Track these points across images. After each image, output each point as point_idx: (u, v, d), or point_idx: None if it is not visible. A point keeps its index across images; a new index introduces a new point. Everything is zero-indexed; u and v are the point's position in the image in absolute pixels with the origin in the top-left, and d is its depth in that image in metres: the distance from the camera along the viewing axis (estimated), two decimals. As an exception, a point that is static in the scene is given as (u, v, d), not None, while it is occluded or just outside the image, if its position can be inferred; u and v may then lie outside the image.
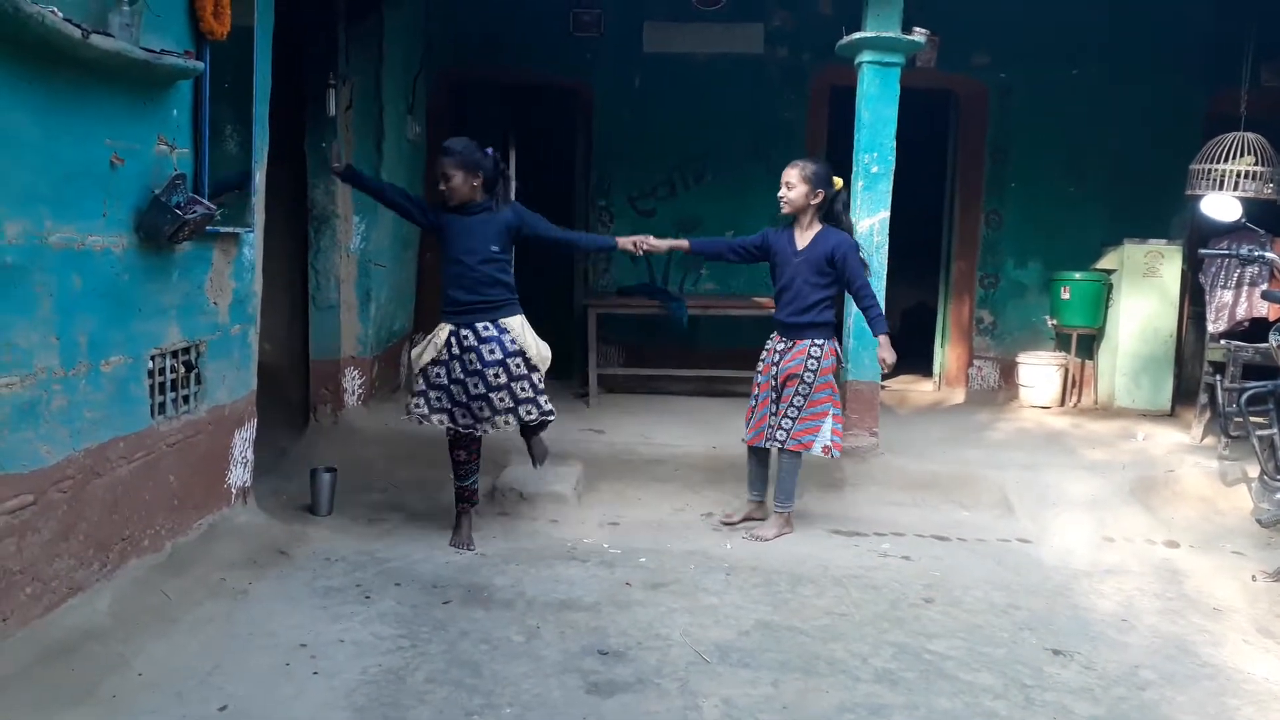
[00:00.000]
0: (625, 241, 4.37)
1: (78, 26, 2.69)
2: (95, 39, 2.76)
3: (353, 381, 5.60)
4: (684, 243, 4.52)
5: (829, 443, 4.30)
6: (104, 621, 3.00)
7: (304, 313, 5.61)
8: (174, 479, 3.53)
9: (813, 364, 4.25)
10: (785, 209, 4.33)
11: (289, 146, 5.18)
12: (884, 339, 4.23)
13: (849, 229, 4.41)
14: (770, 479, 4.51)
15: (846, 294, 5.11)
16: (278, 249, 5.08)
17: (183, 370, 3.59)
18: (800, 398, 4.27)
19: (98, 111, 3.01)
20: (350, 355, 5.61)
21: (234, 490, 3.99)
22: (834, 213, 4.32)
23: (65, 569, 2.94)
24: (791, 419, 4.28)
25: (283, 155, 4.65)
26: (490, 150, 4.04)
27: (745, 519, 4.52)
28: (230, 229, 3.78)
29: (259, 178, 4.00)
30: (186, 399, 3.63)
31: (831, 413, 4.30)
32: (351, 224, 5.53)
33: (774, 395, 4.35)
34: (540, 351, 4.06)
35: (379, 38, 5.58)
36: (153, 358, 3.39)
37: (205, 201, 3.38)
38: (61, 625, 2.88)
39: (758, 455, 4.50)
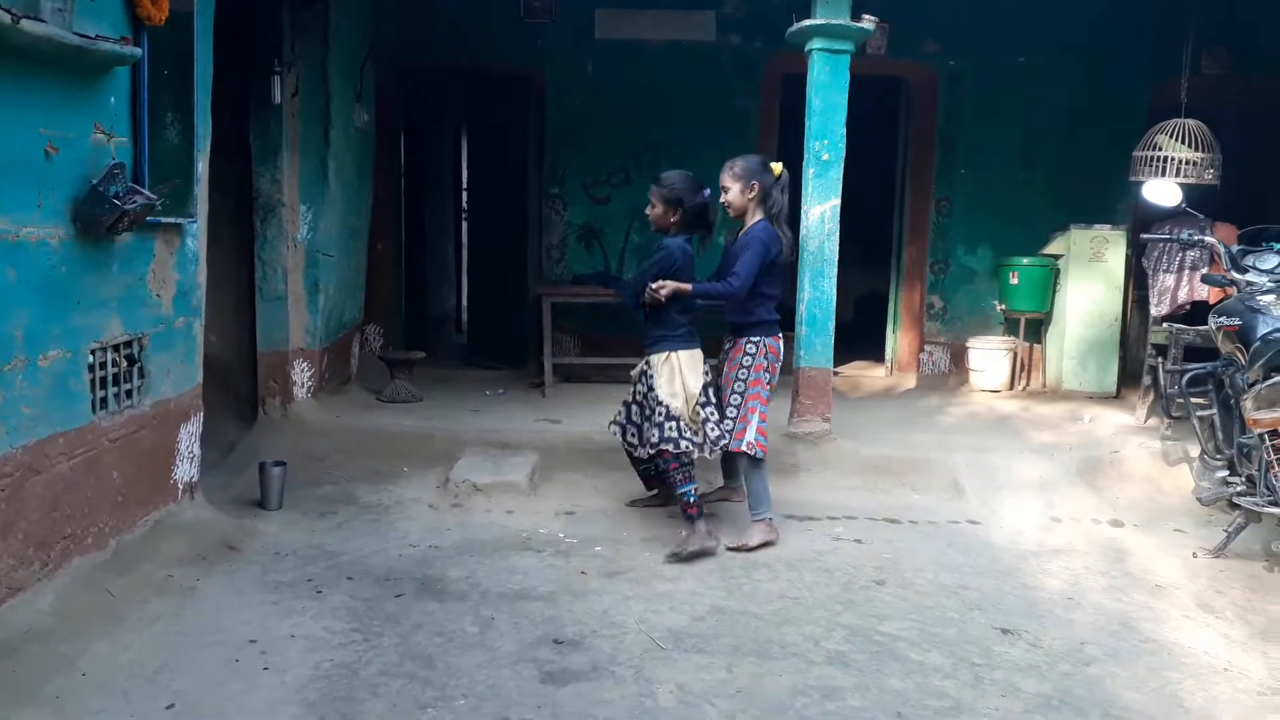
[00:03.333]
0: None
1: (7, 11, 2.61)
2: (26, 24, 2.69)
3: (302, 374, 5.52)
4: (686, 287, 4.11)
5: (754, 440, 4.13)
6: (46, 621, 2.93)
7: (251, 304, 5.50)
8: (117, 475, 3.45)
9: (748, 360, 4.16)
10: (731, 213, 4.23)
11: (233, 135, 5.08)
12: (675, 286, 3.96)
13: (778, 211, 4.16)
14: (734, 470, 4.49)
15: (798, 281, 5.16)
16: (223, 239, 4.98)
17: (125, 364, 3.51)
18: (737, 395, 4.15)
19: (30, 99, 2.92)
20: (299, 347, 5.52)
21: (180, 485, 3.92)
22: (771, 196, 4.16)
23: (4, 569, 2.87)
24: (732, 419, 4.13)
25: (227, 144, 4.57)
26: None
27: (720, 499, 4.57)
28: (172, 219, 3.70)
29: (201, 166, 3.91)
30: (129, 393, 3.55)
31: (759, 410, 4.16)
32: (298, 213, 5.44)
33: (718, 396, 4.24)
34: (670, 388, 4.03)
35: (324, 24, 5.48)
36: (93, 351, 3.31)
37: (145, 191, 3.31)
38: (2, 626, 2.81)
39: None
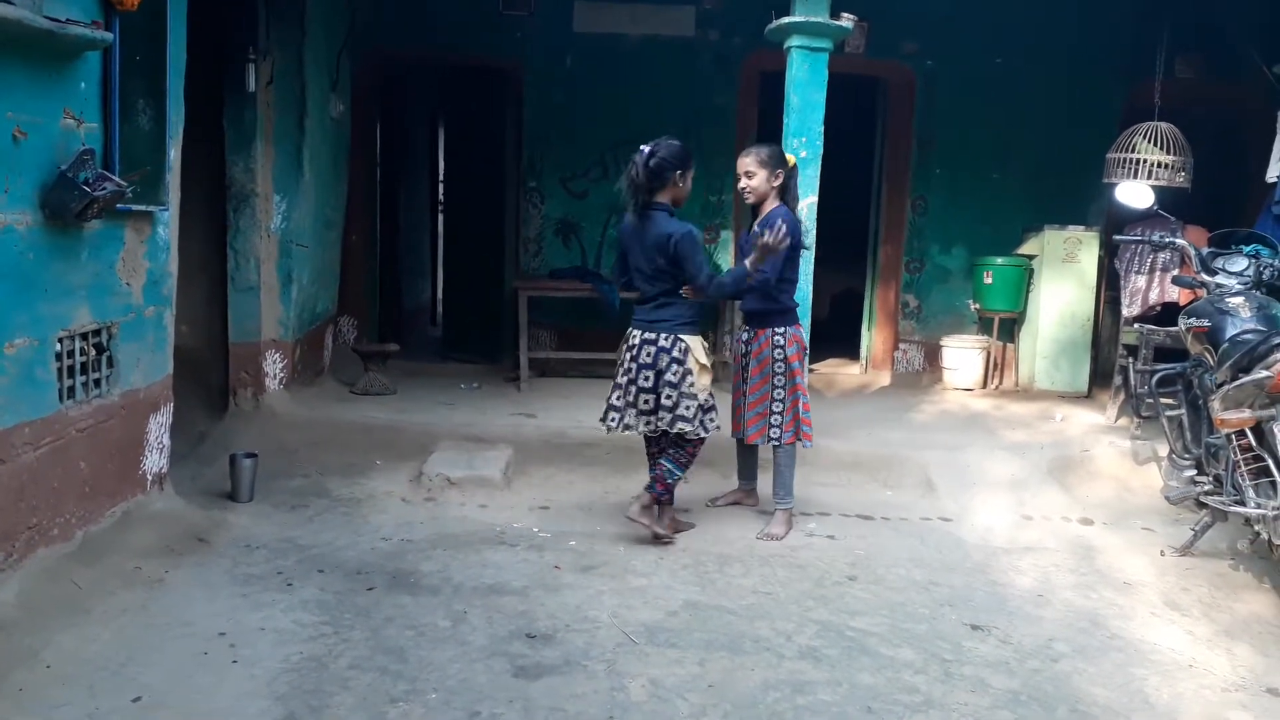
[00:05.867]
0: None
1: (-26, -8, 2.57)
2: (-7, 5, 2.64)
3: (274, 365, 5.46)
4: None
5: (805, 432, 4.17)
6: (10, 613, 2.88)
7: (223, 294, 5.44)
8: (85, 465, 3.41)
9: (779, 353, 4.11)
10: (749, 199, 4.16)
11: (207, 122, 5.01)
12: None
13: (794, 203, 4.20)
14: (759, 466, 4.49)
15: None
16: (195, 228, 4.92)
17: (93, 353, 3.46)
18: (780, 390, 4.12)
19: (-3, 82, 2.88)
20: (271, 338, 5.47)
21: (150, 476, 3.87)
22: (789, 188, 4.15)
23: (-33, 559, 2.83)
24: (779, 413, 4.11)
25: (200, 131, 4.51)
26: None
27: (733, 503, 4.59)
28: (143, 207, 3.65)
29: (173, 154, 3.87)
30: (98, 382, 3.50)
31: (801, 401, 4.15)
32: (272, 203, 5.39)
33: (744, 387, 4.24)
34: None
35: (300, 11, 5.43)
36: (61, 340, 3.26)
37: (115, 178, 3.26)
38: (-36, 618, 2.77)
39: (740, 442, 4.44)
